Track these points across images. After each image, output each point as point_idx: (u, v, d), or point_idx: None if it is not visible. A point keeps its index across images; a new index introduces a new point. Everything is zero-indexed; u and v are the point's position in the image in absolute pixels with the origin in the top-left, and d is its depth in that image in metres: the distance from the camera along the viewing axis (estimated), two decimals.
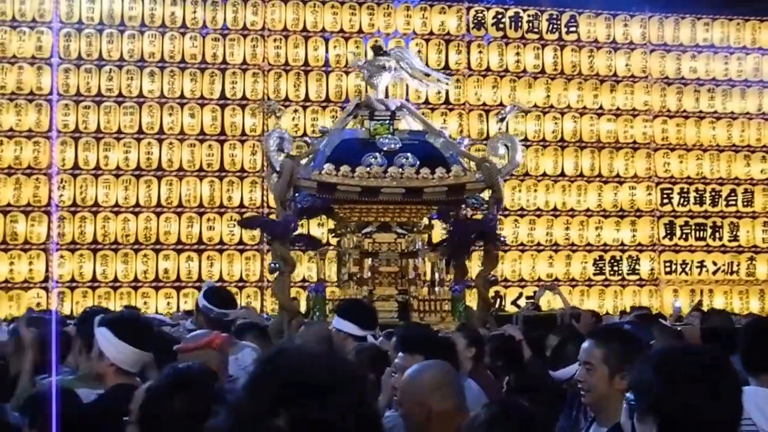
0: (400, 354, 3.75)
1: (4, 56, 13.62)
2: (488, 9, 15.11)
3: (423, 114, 14.25)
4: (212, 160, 13.78)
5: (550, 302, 12.44)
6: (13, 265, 13.08)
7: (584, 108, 14.91)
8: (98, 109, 13.59)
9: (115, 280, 13.26)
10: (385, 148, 8.63)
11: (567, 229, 14.54)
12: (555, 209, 14.58)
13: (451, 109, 14.53)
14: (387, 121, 9.03)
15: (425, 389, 3.05)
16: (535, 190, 14.52)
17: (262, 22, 14.25)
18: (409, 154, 8.62)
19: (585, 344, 3.32)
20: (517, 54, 14.83)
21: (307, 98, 14.19)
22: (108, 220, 13.35)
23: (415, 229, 8.94)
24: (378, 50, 10.07)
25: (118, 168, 13.41)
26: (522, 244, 14.40)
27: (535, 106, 14.74)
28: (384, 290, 8.63)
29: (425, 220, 9.32)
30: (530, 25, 14.94)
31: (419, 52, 14.42)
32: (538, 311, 10.73)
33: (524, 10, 15.00)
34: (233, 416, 1.58)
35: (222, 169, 13.83)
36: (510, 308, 13.27)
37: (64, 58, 13.61)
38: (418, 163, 8.57)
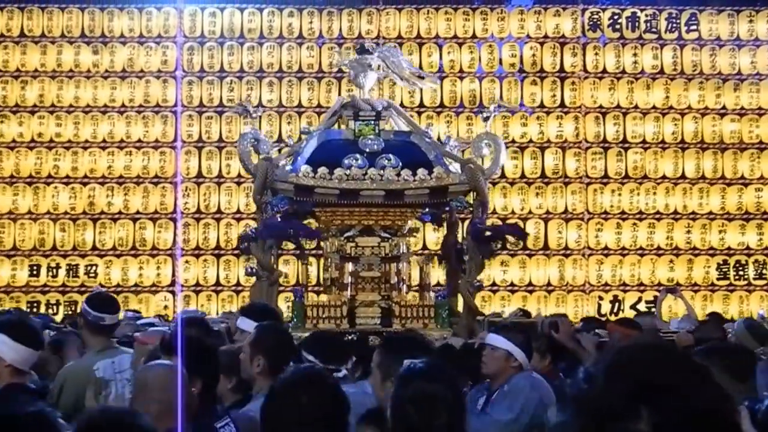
0: None
1: (133, 71, 14.29)
2: (604, 10, 14.87)
3: (538, 119, 14.28)
4: None
5: (671, 307, 12.14)
6: (142, 270, 13.71)
7: (706, 108, 14.48)
8: (220, 119, 14.09)
9: (237, 284, 13.69)
10: (367, 150, 8.31)
11: (688, 232, 14.15)
12: (675, 212, 14.21)
13: (566, 113, 14.36)
14: (372, 122, 8.66)
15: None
16: (654, 193, 14.18)
17: (377, 30, 14.47)
18: (391, 156, 8.26)
19: None
20: (635, 55, 14.53)
21: (421, 104, 14.32)
22: (230, 227, 13.80)
23: (399, 233, 8.59)
24: (362, 49, 9.41)
25: (239, 176, 13.83)
26: (641, 248, 14.09)
27: (654, 107, 14.40)
28: (367, 295, 8.31)
29: (410, 224, 8.86)
30: (648, 25, 14.62)
31: (533, 55, 14.37)
32: (527, 317, 10.12)
33: (642, 10, 14.68)
34: (587, 411, 1.46)
35: None
36: (629, 313, 13.00)
37: (187, 71, 14.18)
38: (400, 164, 8.23)
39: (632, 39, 14.59)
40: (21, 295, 13.79)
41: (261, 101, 14.13)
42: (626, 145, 14.30)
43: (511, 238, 9.40)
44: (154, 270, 13.72)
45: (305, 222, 9.01)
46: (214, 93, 14.06)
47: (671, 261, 14.08)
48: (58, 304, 13.71)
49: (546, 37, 14.51)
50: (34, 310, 13.16)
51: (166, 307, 13.36)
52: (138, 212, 13.88)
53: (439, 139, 10.04)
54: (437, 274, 11.33)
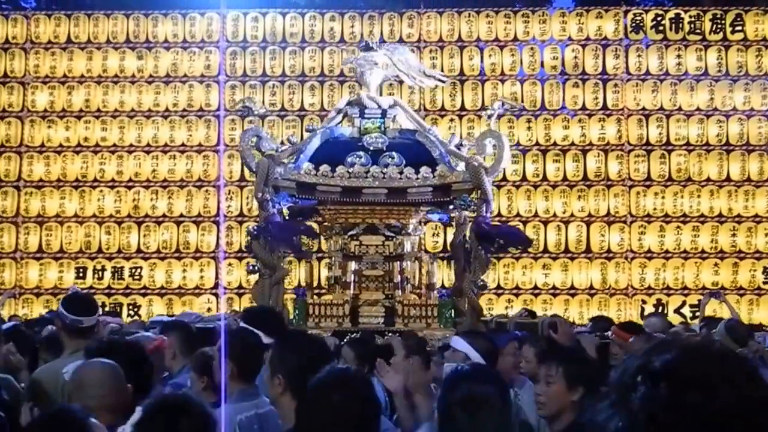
0: None
1: (176, 75, 14.47)
2: (647, 11, 14.77)
3: (580, 121, 14.19)
4: None
5: (715, 311, 11.98)
6: (185, 272, 13.87)
7: (751, 110, 14.28)
8: (262, 122, 14.18)
9: None
10: (372, 148, 8.26)
11: (734, 235, 13.97)
12: (720, 215, 14.03)
13: (609, 115, 14.25)
14: (378, 119, 8.64)
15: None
16: (699, 196, 14.02)
17: (418, 33, 14.49)
18: (395, 154, 8.21)
19: None
20: (678, 56, 14.38)
21: (462, 107, 14.31)
22: None
23: (403, 232, 8.49)
24: (366, 47, 9.33)
25: None
26: (685, 251, 13.94)
27: (698, 109, 14.24)
28: (371, 294, 8.26)
29: (414, 222, 8.73)
30: (692, 26, 14.46)
31: (575, 57, 14.29)
32: (533, 318, 9.84)
33: (685, 11, 14.54)
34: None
35: None
36: (673, 317, 12.86)
37: (230, 76, 14.33)
38: (404, 162, 8.15)
39: (676, 40, 14.44)
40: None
41: (303, 105, 14.25)
42: (670, 148, 14.16)
43: (513, 245, 9.16)
44: (197, 272, 13.87)
45: (310, 221, 9.00)
46: (256, 97, 14.16)
47: (716, 264, 13.90)
48: (103, 305, 13.86)
49: (588, 39, 14.42)
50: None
51: (209, 309, 13.49)
52: (182, 215, 14.05)
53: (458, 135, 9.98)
54: (446, 274, 11.11)
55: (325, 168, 8.09)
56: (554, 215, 14.03)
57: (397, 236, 8.40)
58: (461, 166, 8.50)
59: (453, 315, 8.20)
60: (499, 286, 13.89)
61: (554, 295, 13.87)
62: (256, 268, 8.52)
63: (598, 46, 14.40)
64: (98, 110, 14.42)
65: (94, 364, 3.49)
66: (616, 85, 14.28)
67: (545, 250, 13.98)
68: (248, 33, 14.47)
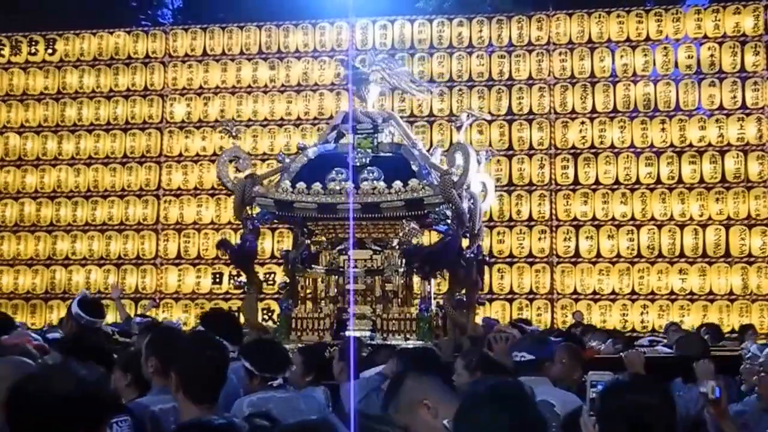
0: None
1: (307, 84, 14.75)
2: None
3: (717, 121, 13.74)
4: (501, 175, 14.02)
5: None
6: None
7: None
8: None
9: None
10: (357, 163, 8.20)
11: None
12: None
13: (748, 114, 13.75)
14: (370, 134, 8.53)
15: None
16: None
17: (547, 36, 14.34)
18: (375, 169, 8.15)
19: None
20: None
21: (594, 110, 14.08)
22: None
23: (389, 246, 8.40)
24: (350, 64, 9.45)
25: None
26: None
27: None
28: (358, 308, 8.22)
29: (400, 236, 8.44)
30: None
31: (711, 55, 13.86)
32: (522, 332, 9.46)
33: None
34: None
35: (510, 183, 14.05)
36: None
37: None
38: (382, 177, 8.08)
39: None
40: (205, 302, 14.45)
41: (432, 110, 14.30)
42: None
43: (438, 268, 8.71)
44: None
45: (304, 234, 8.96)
46: (386, 104, 14.27)
47: None
48: (239, 311, 14.24)
49: (725, 36, 13.95)
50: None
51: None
52: None
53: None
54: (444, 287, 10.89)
55: (301, 185, 8.24)
56: (690, 219, 13.63)
57: (384, 250, 8.43)
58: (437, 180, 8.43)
59: (429, 329, 8.12)
60: (633, 292, 13.59)
61: (691, 300, 13.46)
62: (242, 283, 8.81)
63: (736, 42, 13.90)
64: (233, 120, 14.80)
65: (5, 360, 3.54)
66: (755, 83, 13.77)
67: (681, 255, 13.60)
68: (377, 41, 14.62)
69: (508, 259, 13.94)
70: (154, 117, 15.12)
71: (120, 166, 15.07)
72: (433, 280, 8.75)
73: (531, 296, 13.87)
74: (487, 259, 9.40)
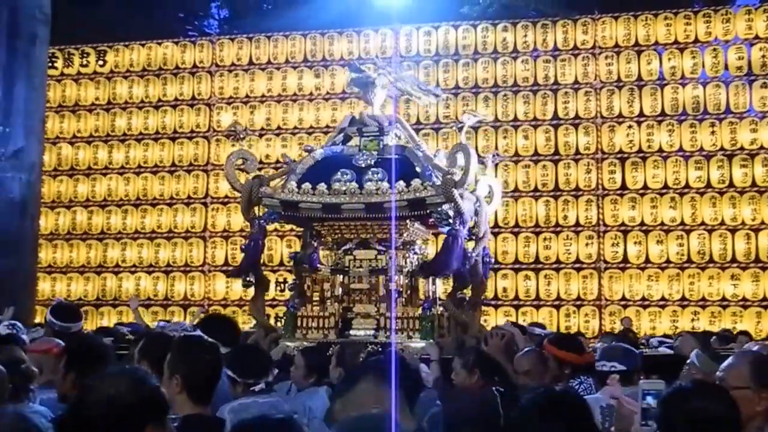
0: None
1: (353, 91, 14.67)
2: None
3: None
4: (547, 180, 13.92)
5: None
6: None
7: None
8: (437, 135, 14.30)
9: None
10: (362, 165, 8.23)
11: None
12: None
13: None
14: (377, 137, 8.55)
15: None
16: None
17: (593, 40, 14.21)
18: (380, 170, 8.15)
19: None
20: None
21: (641, 113, 13.90)
22: None
23: (393, 246, 8.34)
24: (354, 68, 9.45)
25: None
26: None
27: None
28: (363, 308, 8.28)
29: (405, 236, 8.48)
30: None
31: (763, 56, 13.59)
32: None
33: None
34: None
35: (557, 188, 13.94)
36: None
37: (403, 90, 14.44)
38: (385, 178, 8.07)
39: None
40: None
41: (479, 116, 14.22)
42: None
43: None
44: None
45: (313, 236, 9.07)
46: (430, 110, 14.28)
47: None
48: (282, 317, 14.33)
49: None
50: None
51: None
52: None
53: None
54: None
55: (306, 186, 8.30)
56: (742, 223, 13.37)
57: (389, 251, 8.39)
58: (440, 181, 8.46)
59: (432, 327, 8.14)
60: (683, 298, 13.38)
61: (744, 307, 13.20)
62: (251, 282, 8.78)
63: None
64: (278, 128, 14.96)
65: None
66: None
67: (733, 260, 13.34)
68: (421, 47, 14.63)
69: (555, 265, 13.82)
70: (201, 126, 15.32)
71: (168, 174, 15.29)
72: (438, 281, 8.81)
73: (578, 302, 13.72)
74: (492, 262, 9.45)
